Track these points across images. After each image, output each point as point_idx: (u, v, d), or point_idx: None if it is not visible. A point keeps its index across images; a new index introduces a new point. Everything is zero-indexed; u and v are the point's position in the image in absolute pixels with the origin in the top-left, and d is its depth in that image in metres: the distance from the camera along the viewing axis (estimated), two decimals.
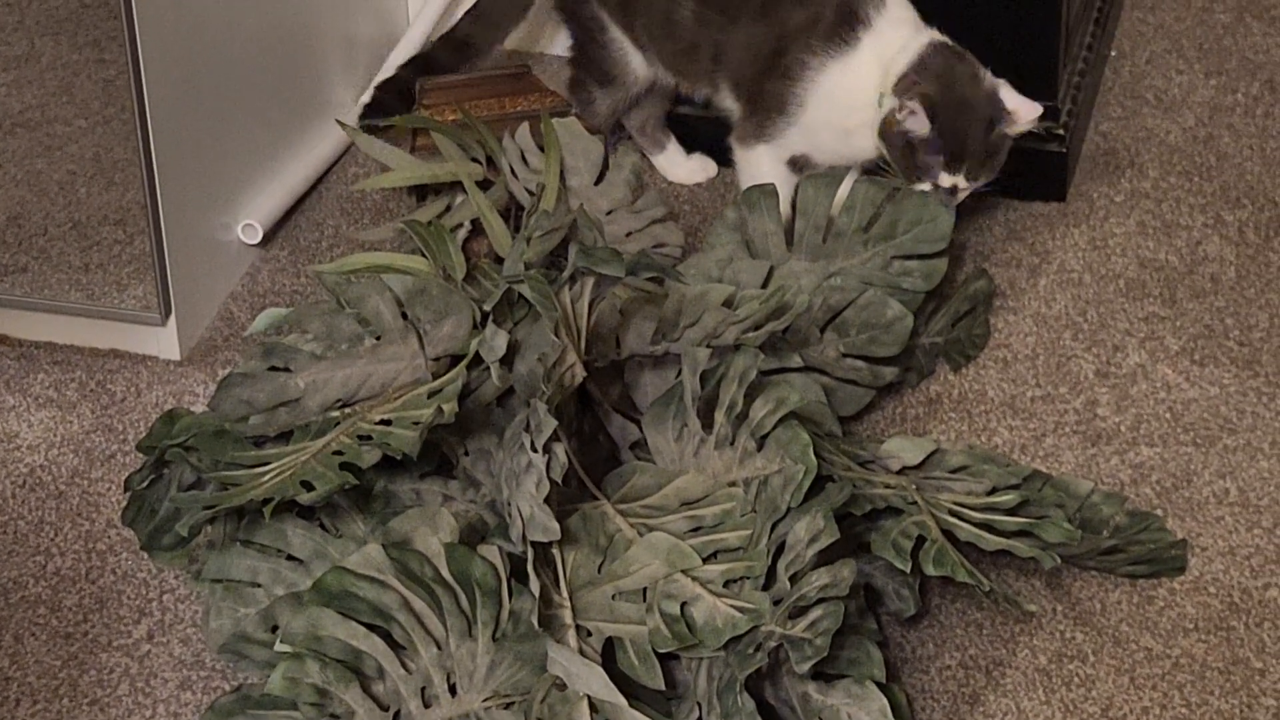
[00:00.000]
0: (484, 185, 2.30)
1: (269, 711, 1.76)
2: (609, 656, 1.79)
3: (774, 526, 1.83)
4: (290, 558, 1.90)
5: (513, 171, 2.29)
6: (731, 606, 1.79)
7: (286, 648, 1.76)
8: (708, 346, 1.94)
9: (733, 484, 1.89)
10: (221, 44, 2.35)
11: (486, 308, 2.00)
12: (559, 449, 1.82)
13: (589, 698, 1.74)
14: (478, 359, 1.95)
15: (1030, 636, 1.96)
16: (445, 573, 1.80)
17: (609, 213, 2.26)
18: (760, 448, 1.88)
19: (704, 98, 2.46)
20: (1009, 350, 2.30)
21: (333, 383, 1.97)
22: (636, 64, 2.47)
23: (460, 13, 2.64)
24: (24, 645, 1.97)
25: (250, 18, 2.40)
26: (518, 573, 1.82)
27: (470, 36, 2.57)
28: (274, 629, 1.86)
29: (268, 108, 2.48)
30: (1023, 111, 2.26)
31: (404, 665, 1.78)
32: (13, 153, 2.29)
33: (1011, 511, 1.94)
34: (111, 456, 2.18)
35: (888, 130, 2.25)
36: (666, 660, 1.80)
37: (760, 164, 2.37)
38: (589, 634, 1.80)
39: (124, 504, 2.02)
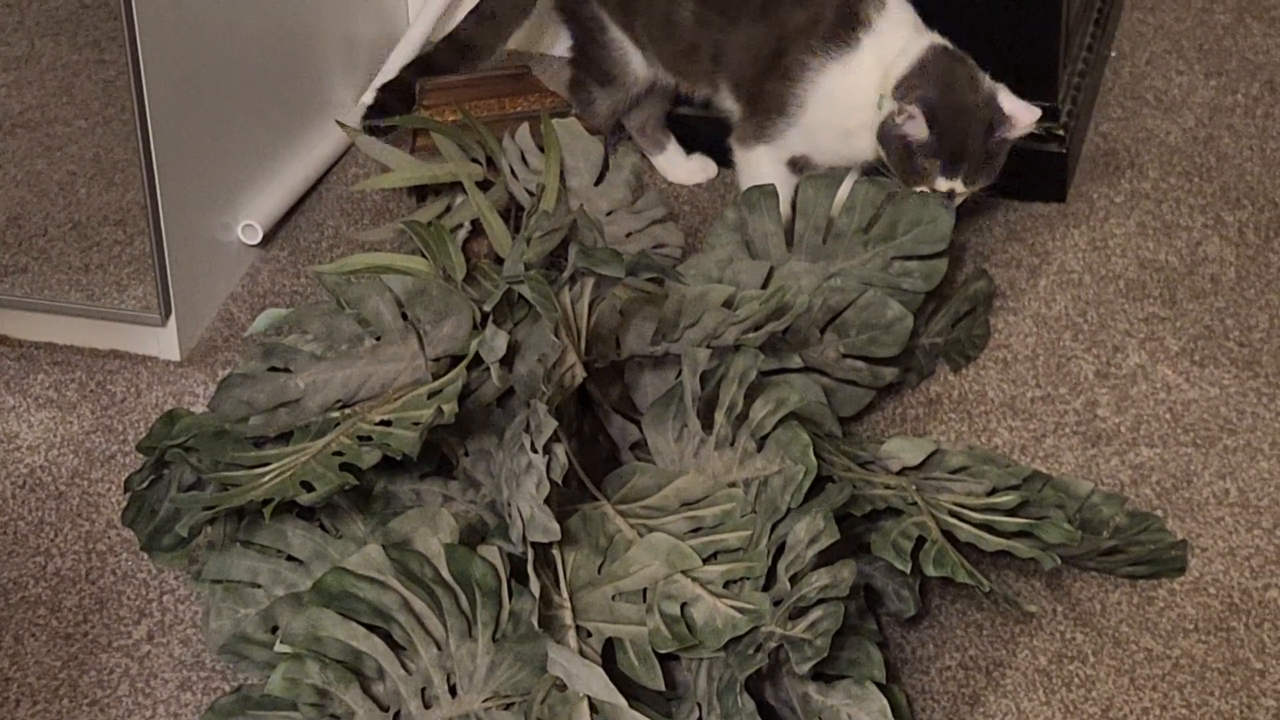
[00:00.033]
0: (484, 186, 2.30)
1: (269, 712, 1.76)
2: (609, 657, 1.79)
3: (774, 527, 1.83)
4: (290, 558, 1.90)
5: (513, 172, 2.29)
6: (731, 607, 1.79)
7: (286, 648, 1.76)
8: (708, 347, 1.94)
9: (733, 485, 1.89)
10: (221, 44, 2.35)
11: (486, 308, 2.00)
12: (559, 450, 1.82)
13: (589, 698, 1.74)
14: (478, 359, 1.95)
15: (1030, 637, 1.96)
16: (445, 573, 1.80)
17: (609, 213, 2.26)
18: (760, 448, 1.88)
19: (704, 98, 2.46)
20: (1009, 351, 2.30)
21: (333, 383, 1.97)
22: (636, 64, 2.47)
23: (460, 13, 2.64)
24: (24, 646, 1.97)
25: (250, 18, 2.40)
26: (518, 573, 1.82)
27: (473, 38, 2.57)
28: (274, 630, 1.86)
29: (268, 108, 2.48)
30: (1021, 116, 2.26)
31: (404, 666, 1.78)
32: (13, 153, 2.29)
33: (1011, 512, 1.94)
34: (111, 457, 2.18)
35: (886, 133, 2.25)
36: (666, 661, 1.80)
37: (760, 165, 2.37)
38: (589, 635, 1.80)
39: (124, 504, 2.02)
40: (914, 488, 1.93)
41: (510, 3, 2.58)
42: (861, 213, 2.23)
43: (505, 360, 1.93)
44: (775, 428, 1.87)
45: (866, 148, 2.29)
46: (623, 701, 1.73)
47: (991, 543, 1.89)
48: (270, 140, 2.49)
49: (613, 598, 1.82)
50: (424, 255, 2.12)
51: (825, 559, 1.79)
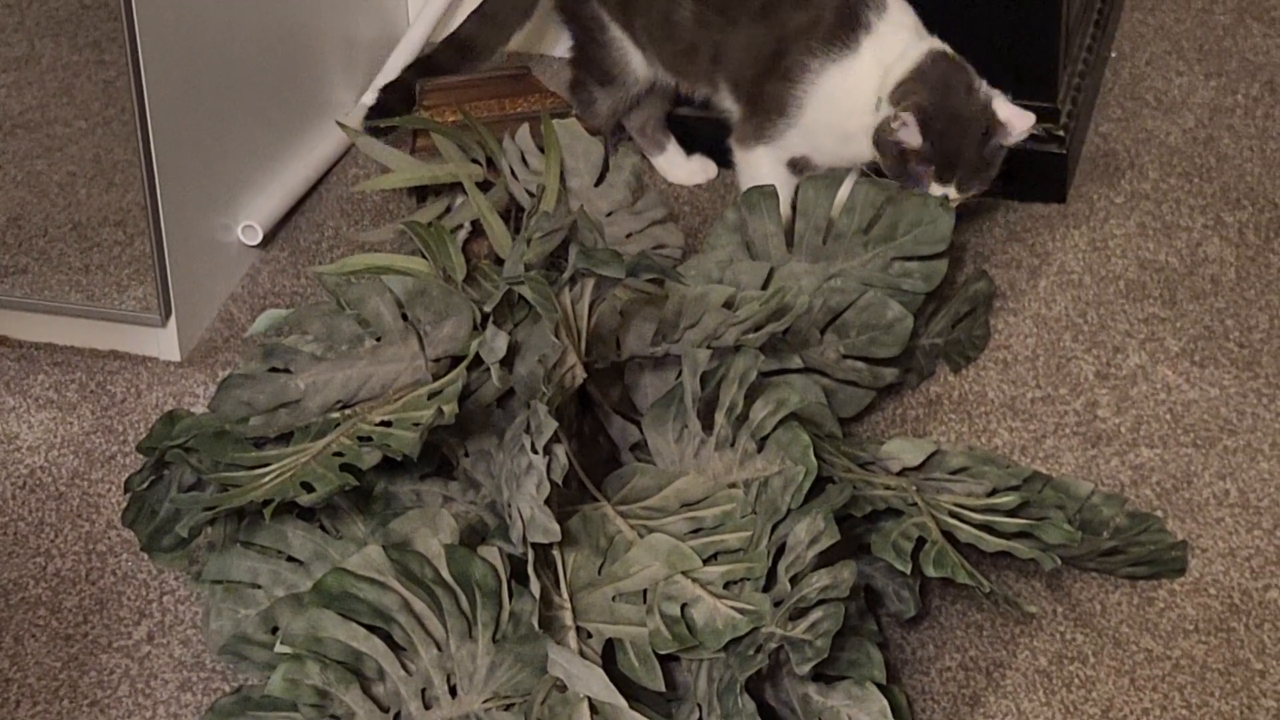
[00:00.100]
0: (484, 186, 2.30)
1: (269, 713, 1.76)
2: (609, 658, 1.79)
3: (774, 528, 1.83)
4: (290, 559, 1.90)
5: (513, 173, 2.29)
6: (732, 608, 1.79)
7: (287, 649, 1.76)
8: (708, 348, 1.94)
9: (733, 485, 1.89)
10: (221, 44, 2.35)
11: (487, 309, 2.00)
12: (559, 450, 1.82)
13: (589, 699, 1.74)
14: (478, 360, 1.95)
15: (1030, 638, 1.96)
16: (445, 574, 1.80)
17: (609, 214, 2.26)
18: (760, 449, 1.88)
19: (703, 98, 2.46)
20: (1009, 351, 2.30)
21: (333, 384, 1.97)
22: (637, 64, 2.47)
23: (460, 14, 2.64)
24: (24, 646, 1.97)
25: (250, 18, 2.40)
26: (518, 574, 1.82)
27: (474, 39, 2.57)
28: (274, 630, 1.86)
29: (268, 108, 2.48)
30: (1015, 123, 2.26)
31: (404, 666, 1.78)
32: (13, 154, 2.29)
33: (1012, 513, 1.94)
34: (112, 458, 2.18)
35: (881, 138, 2.26)
36: (667, 662, 1.80)
37: (760, 165, 2.37)
38: (589, 635, 1.80)
39: (124, 505, 2.02)
40: (914, 488, 1.93)
41: (512, 4, 2.58)
42: (862, 213, 2.23)
43: (505, 361, 1.93)
44: (775, 428, 1.87)
45: (866, 149, 2.30)
46: (623, 702, 1.73)
47: (992, 543, 1.89)
48: (270, 141, 2.49)
49: (613, 598, 1.82)
50: (424, 256, 2.12)
51: (825, 560, 1.79)
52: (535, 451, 1.80)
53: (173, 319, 2.29)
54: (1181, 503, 2.10)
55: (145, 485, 1.99)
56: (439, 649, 1.79)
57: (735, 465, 1.89)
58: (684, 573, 1.82)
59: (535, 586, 1.77)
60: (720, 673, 1.77)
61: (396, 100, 2.52)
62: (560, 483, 1.82)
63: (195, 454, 1.94)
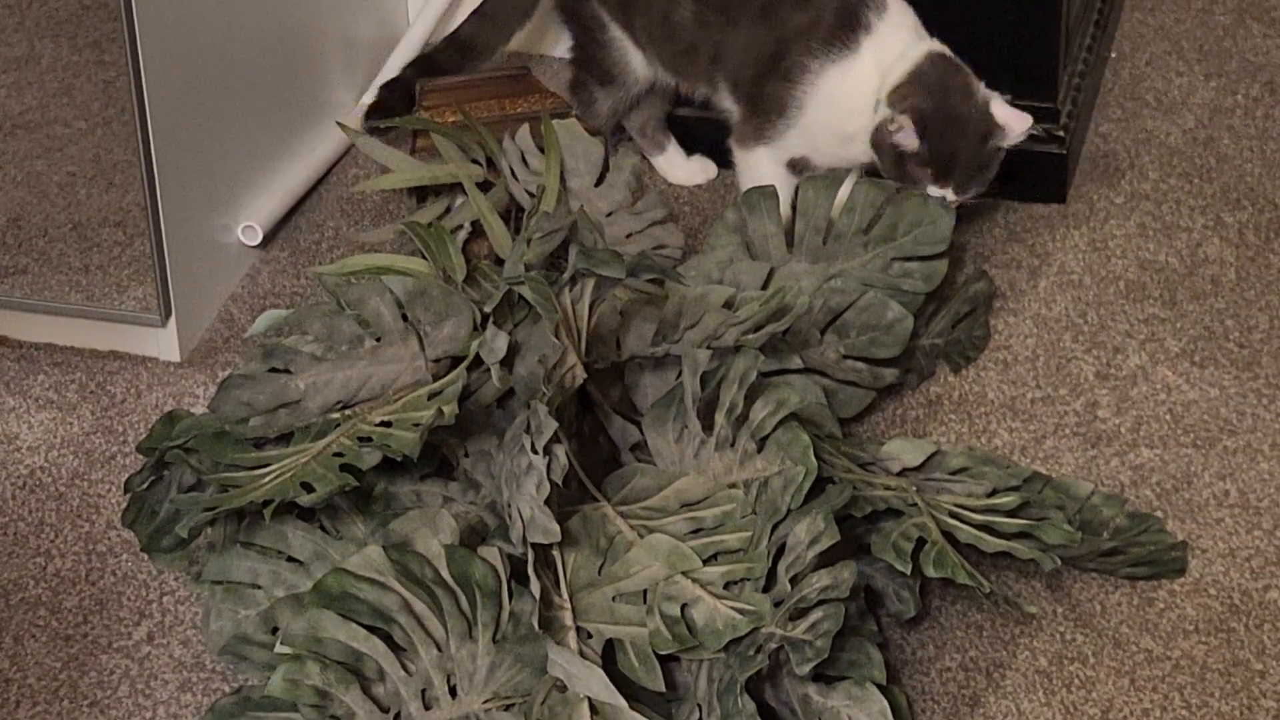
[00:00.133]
0: (484, 187, 2.30)
1: (269, 713, 1.76)
2: (609, 658, 1.79)
3: (774, 528, 1.83)
4: (290, 559, 1.90)
5: (513, 173, 2.29)
6: (732, 608, 1.79)
7: (287, 649, 1.76)
8: (708, 348, 1.94)
9: (733, 485, 1.89)
10: (221, 45, 2.35)
11: (487, 309, 2.00)
12: (559, 451, 1.82)
13: (589, 699, 1.74)
14: (478, 360, 1.95)
15: (1030, 638, 1.96)
16: (445, 574, 1.80)
17: (609, 214, 2.26)
18: (760, 449, 1.88)
19: (703, 98, 2.46)
20: (1009, 352, 2.30)
21: (333, 384, 1.97)
22: (637, 63, 2.47)
23: (460, 14, 2.64)
24: (24, 647, 1.97)
25: (250, 18, 2.40)
26: (518, 574, 1.82)
27: (474, 39, 2.57)
28: (274, 631, 1.86)
29: (268, 108, 2.48)
30: (1013, 125, 2.26)
31: (404, 667, 1.78)
32: (13, 154, 2.29)
33: (1012, 513, 1.94)
34: (112, 458, 2.18)
35: (879, 139, 2.26)
36: (667, 662, 1.80)
37: (760, 166, 2.37)
38: (589, 636, 1.80)
39: (124, 505, 2.02)
40: (914, 489, 1.93)
41: (512, 4, 2.58)
42: (862, 214, 2.23)
43: (505, 361, 1.93)
44: (775, 429, 1.87)
45: (865, 150, 2.30)
46: (623, 702, 1.73)
47: (992, 544, 1.89)
48: (270, 141, 2.49)
49: (613, 599, 1.82)
50: (424, 256, 2.12)
51: (825, 560, 1.79)
52: (535, 452, 1.80)
53: (173, 319, 2.29)
54: (1181, 503, 2.10)
55: (145, 486, 1.99)
56: (439, 649, 1.79)
57: (735, 465, 1.89)
58: (684, 573, 1.82)
59: (535, 587, 1.77)
60: (720, 673, 1.77)
61: (397, 99, 2.52)
62: (560, 483, 1.82)
63: (195, 454, 1.94)
